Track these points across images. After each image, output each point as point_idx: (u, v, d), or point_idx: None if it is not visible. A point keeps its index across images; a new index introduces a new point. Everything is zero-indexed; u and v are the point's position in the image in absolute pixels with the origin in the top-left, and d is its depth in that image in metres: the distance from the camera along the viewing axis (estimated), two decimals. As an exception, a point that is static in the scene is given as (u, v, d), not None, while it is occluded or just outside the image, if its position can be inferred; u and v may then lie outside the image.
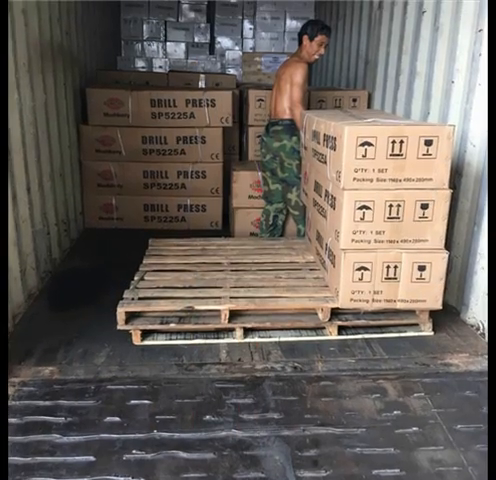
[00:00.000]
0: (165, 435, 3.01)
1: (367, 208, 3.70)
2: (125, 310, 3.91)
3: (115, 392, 3.37)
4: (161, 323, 3.98)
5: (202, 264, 4.74)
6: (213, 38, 10.55)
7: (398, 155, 3.63)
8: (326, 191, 4.15)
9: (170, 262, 4.77)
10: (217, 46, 10.59)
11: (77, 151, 6.38)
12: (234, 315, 4.01)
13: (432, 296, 3.90)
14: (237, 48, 10.54)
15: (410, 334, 4.11)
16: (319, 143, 4.30)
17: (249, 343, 3.98)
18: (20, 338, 3.91)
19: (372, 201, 3.69)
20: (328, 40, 5.41)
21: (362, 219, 3.72)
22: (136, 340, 3.94)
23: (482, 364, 3.69)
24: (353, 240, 3.77)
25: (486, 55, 3.86)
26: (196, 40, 10.39)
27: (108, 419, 3.12)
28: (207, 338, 4.02)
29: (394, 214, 3.72)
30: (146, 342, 3.96)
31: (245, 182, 6.10)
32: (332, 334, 4.06)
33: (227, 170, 6.55)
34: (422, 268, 3.82)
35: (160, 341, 3.98)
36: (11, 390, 3.33)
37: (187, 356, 3.81)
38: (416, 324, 4.14)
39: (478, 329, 4.16)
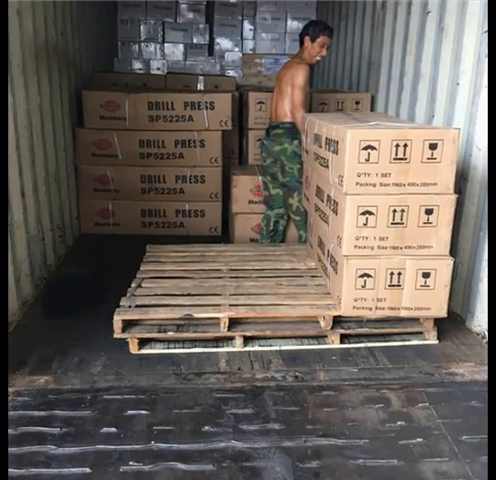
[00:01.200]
0: (163, 446, 3.01)
1: (370, 213, 3.71)
2: (122, 318, 3.92)
3: (112, 402, 3.38)
4: (159, 331, 3.98)
5: (201, 271, 4.75)
6: (212, 39, 10.59)
7: (402, 159, 3.64)
8: (328, 196, 4.16)
9: (168, 269, 4.78)
10: (216, 47, 10.64)
11: (73, 155, 6.39)
12: (234, 323, 4.02)
13: (437, 304, 3.91)
14: (237, 49, 10.58)
15: (414, 343, 4.12)
16: (321, 147, 4.32)
17: (249, 352, 3.99)
18: (14, 347, 3.89)
19: (375, 206, 3.70)
20: (330, 41, 5.42)
21: (365, 225, 3.73)
22: (133, 349, 3.95)
23: (488, 373, 3.70)
24: (356, 246, 3.78)
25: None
26: (195, 41, 10.44)
27: (104, 430, 3.13)
28: (206, 347, 4.03)
29: (398, 220, 3.73)
30: (143, 351, 3.97)
31: (245, 187, 6.11)
32: (334, 343, 4.07)
33: (226, 174, 6.57)
34: (426, 275, 3.83)
35: (158, 350, 3.99)
36: (5, 400, 3.35)
37: (185, 365, 3.82)
38: (420, 332, 4.16)
39: (484, 337, 4.16)
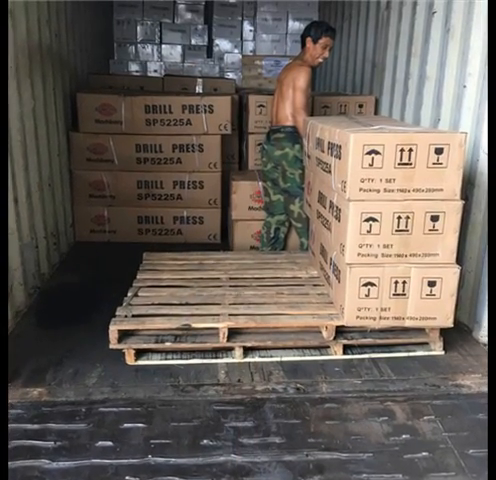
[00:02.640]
0: (160, 460, 3.02)
1: (374, 220, 3.72)
2: (118, 328, 3.93)
3: (107, 415, 3.38)
4: (156, 342, 4.00)
5: (199, 279, 4.76)
6: (211, 40, 10.60)
7: (407, 164, 3.65)
8: (331, 202, 4.18)
9: (165, 277, 4.79)
10: (215, 49, 10.64)
11: (67, 160, 6.41)
12: (233, 333, 4.03)
13: (443, 313, 3.91)
14: (236, 51, 10.60)
15: (419, 353, 4.13)
16: (323, 151, 4.33)
17: (249, 363, 4.00)
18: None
19: (379, 213, 3.71)
20: (333, 42, 5.44)
21: (369, 232, 3.74)
22: (129, 360, 3.95)
23: None
24: (359, 254, 3.79)
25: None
26: (193, 42, 10.46)
27: (100, 443, 3.13)
28: (205, 358, 4.04)
29: (403, 227, 3.73)
30: (140, 362, 3.97)
31: (245, 193, 6.12)
32: (337, 353, 4.08)
33: (226, 180, 6.59)
34: (432, 284, 3.84)
35: (155, 361, 4.00)
36: (-3, 413, 3.35)
37: (183, 377, 3.82)
38: (426, 343, 4.17)
39: (492, 348, 4.17)
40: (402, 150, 3.62)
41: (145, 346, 3.99)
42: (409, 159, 3.64)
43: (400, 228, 3.73)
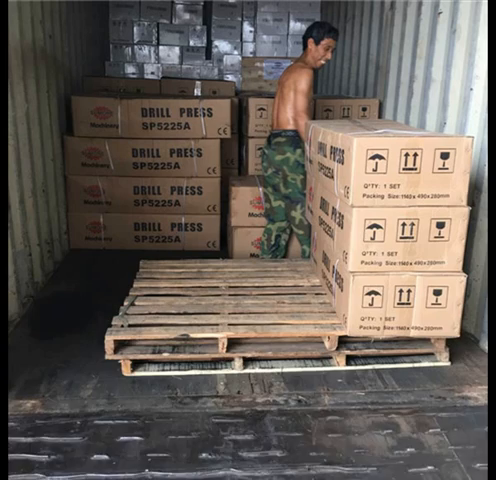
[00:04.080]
0: (158, 475, 3.03)
1: (378, 227, 3.73)
2: (114, 338, 3.94)
3: (103, 428, 3.39)
4: (153, 352, 4.00)
5: (198, 288, 4.77)
6: (210, 42, 10.61)
7: (412, 169, 3.66)
8: (333, 208, 4.19)
9: (163, 286, 4.80)
10: (214, 50, 10.65)
11: (62, 165, 6.43)
12: (233, 344, 4.04)
13: (449, 323, 3.92)
14: (236, 52, 10.61)
15: (425, 364, 4.14)
16: (325, 156, 4.35)
17: (249, 374, 4.01)
18: None
19: (383, 219, 3.72)
20: (335, 44, 5.47)
21: (372, 239, 3.75)
22: (126, 371, 3.96)
23: (504, 397, 3.71)
24: (363, 262, 3.80)
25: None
26: (191, 44, 10.47)
27: (95, 457, 3.14)
28: (203, 369, 4.04)
29: (407, 233, 3.75)
30: (137, 373, 3.98)
31: (245, 199, 6.13)
32: (340, 364, 4.09)
33: (225, 185, 6.61)
34: (438, 292, 3.85)
35: (152, 372, 4.01)
36: (-11, 425, 3.36)
37: (181, 388, 3.83)
38: (431, 353, 4.18)
39: (500, 359, 4.18)
40: (407, 155, 3.64)
41: (142, 357, 3.99)
42: (414, 164, 3.65)
43: (405, 235, 3.75)
